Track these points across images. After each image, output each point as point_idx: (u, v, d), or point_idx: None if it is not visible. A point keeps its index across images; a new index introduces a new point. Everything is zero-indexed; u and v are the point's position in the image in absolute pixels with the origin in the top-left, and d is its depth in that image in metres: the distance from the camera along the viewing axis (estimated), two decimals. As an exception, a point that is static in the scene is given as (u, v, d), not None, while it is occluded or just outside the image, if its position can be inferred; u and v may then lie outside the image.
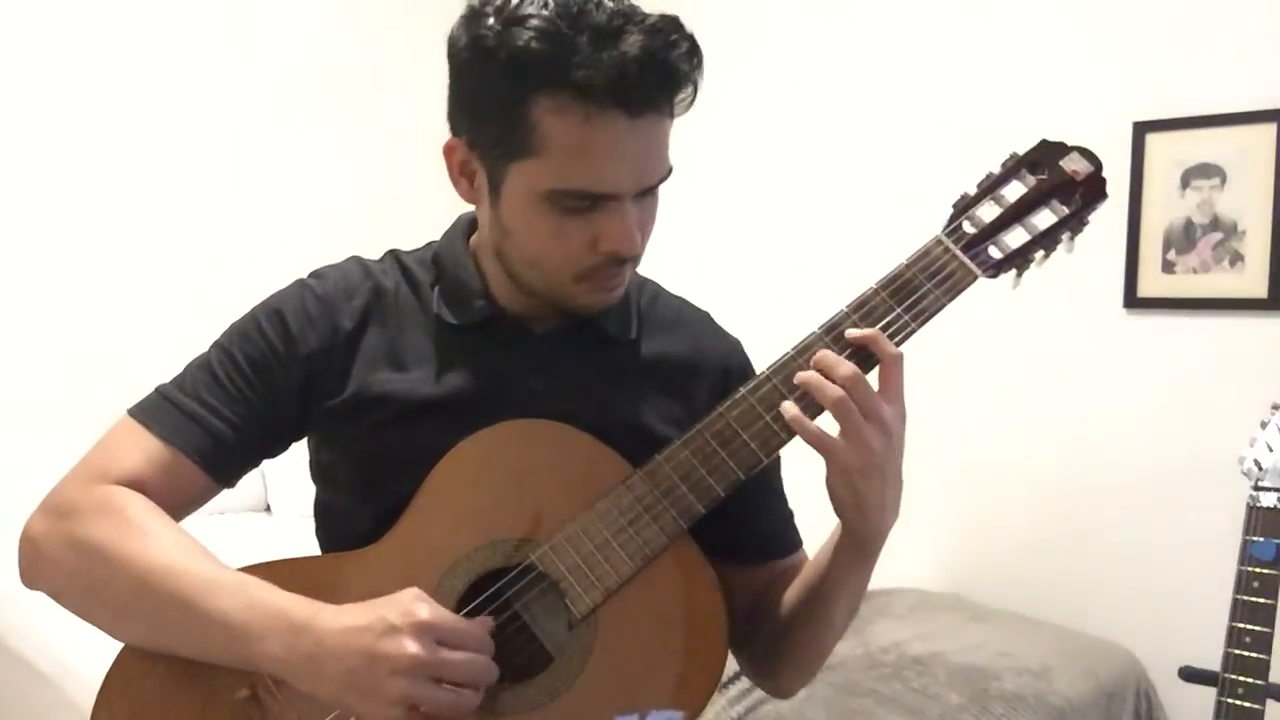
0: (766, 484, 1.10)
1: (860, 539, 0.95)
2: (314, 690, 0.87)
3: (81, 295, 3.24)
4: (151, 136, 3.36)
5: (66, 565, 0.95)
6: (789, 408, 0.91)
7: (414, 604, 0.86)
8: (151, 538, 0.93)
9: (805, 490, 1.10)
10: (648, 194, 0.95)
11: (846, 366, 0.90)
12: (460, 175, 0.98)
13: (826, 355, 0.91)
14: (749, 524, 1.06)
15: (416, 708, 0.85)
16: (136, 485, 0.97)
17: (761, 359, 0.99)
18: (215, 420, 1.00)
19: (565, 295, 0.98)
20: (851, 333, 0.92)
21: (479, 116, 0.94)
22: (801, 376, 0.91)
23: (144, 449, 0.99)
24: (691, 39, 0.90)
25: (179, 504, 0.99)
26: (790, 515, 1.13)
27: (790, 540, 1.11)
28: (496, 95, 0.90)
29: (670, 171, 0.96)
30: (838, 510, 0.94)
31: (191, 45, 3.44)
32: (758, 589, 1.07)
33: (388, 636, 0.84)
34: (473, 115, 0.94)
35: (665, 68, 0.88)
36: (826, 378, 0.90)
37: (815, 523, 1.05)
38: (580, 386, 1.03)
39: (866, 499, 0.91)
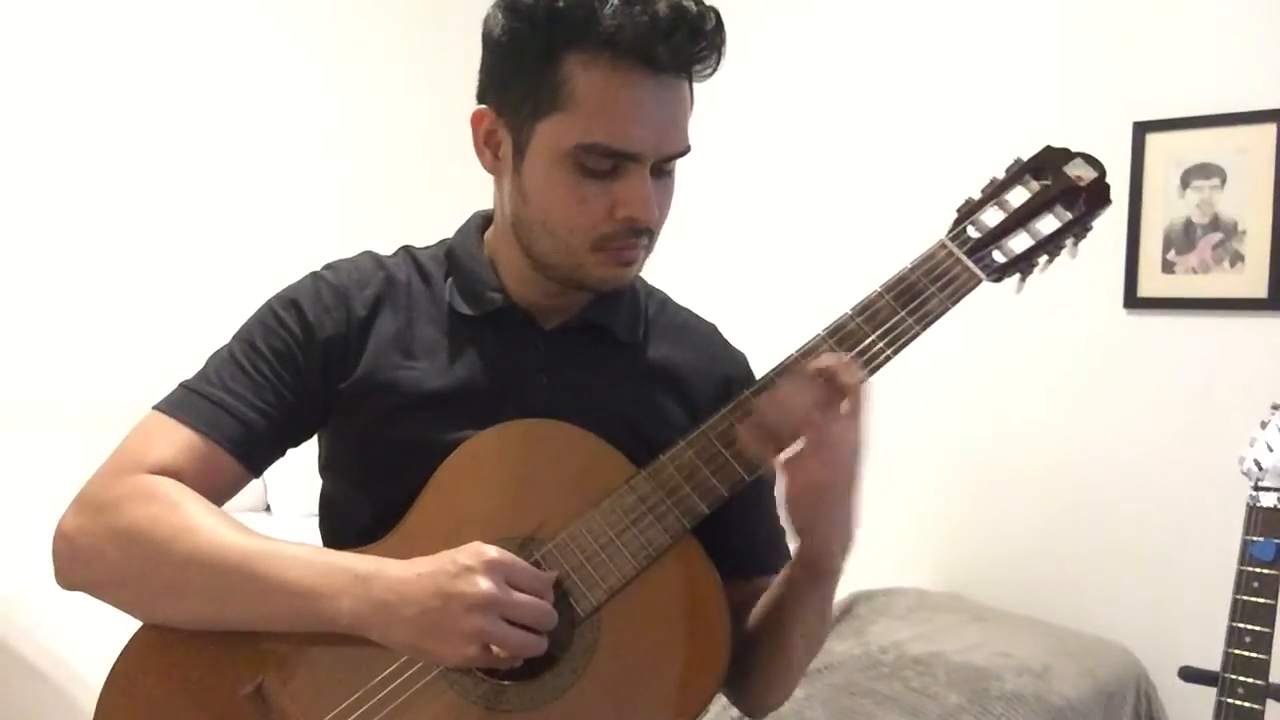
0: (760, 499, 1.10)
1: (811, 559, 0.97)
2: (387, 638, 0.89)
3: (87, 296, 3.24)
4: (160, 134, 3.36)
5: (108, 557, 0.95)
6: (743, 432, 0.93)
7: (482, 546, 0.89)
8: (199, 516, 0.94)
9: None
10: (665, 174, 0.97)
11: (803, 394, 0.91)
12: (485, 145, 1.00)
13: (787, 382, 0.93)
14: (741, 536, 1.06)
15: (489, 646, 0.87)
16: (170, 476, 0.97)
17: (767, 361, 0.99)
18: (245, 409, 1.00)
19: (579, 266, 0.98)
20: (817, 363, 0.93)
21: (510, 78, 0.96)
22: (762, 402, 0.93)
23: (176, 441, 0.99)
24: (717, 11, 0.94)
25: (212, 495, 0.99)
26: (782, 533, 1.13)
27: (781, 557, 1.11)
28: (529, 52, 0.93)
29: (688, 150, 0.97)
30: (793, 528, 0.96)
31: (204, 38, 3.43)
32: (741, 603, 1.06)
33: (462, 575, 0.87)
34: (504, 78, 0.97)
35: (693, 27, 0.92)
36: (790, 403, 0.91)
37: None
38: (584, 385, 1.04)
39: (820, 521, 0.93)
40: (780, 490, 0.94)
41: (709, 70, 0.95)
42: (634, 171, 0.94)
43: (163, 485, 0.96)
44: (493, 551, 0.88)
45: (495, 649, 0.87)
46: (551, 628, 0.89)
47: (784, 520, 0.96)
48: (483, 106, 0.99)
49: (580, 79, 0.91)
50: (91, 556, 0.96)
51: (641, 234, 0.97)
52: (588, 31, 0.90)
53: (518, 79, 0.95)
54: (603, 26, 0.90)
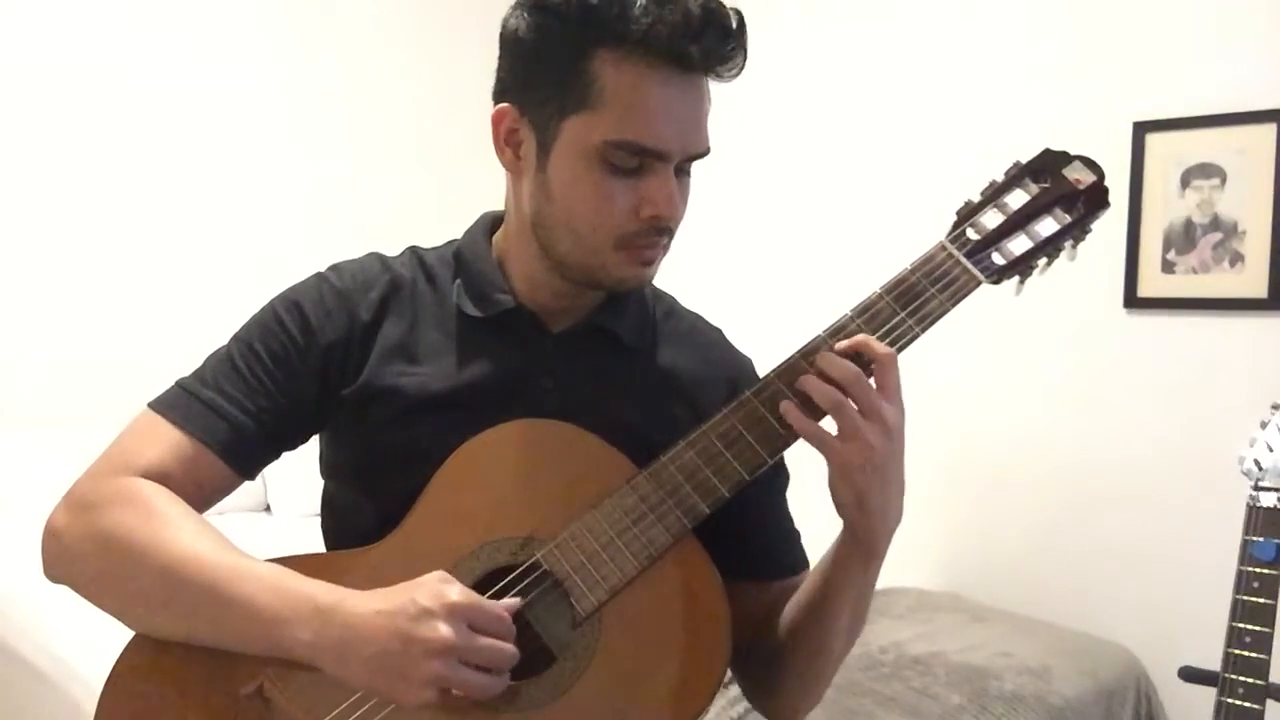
0: (774, 502, 1.10)
1: (863, 539, 0.95)
2: (343, 673, 0.88)
3: (86, 295, 3.24)
4: (161, 133, 3.36)
5: (89, 557, 0.95)
6: (789, 407, 0.93)
7: (444, 586, 0.88)
8: (175, 527, 0.94)
9: (811, 509, 1.10)
10: (684, 174, 0.98)
11: (844, 367, 0.91)
12: (505, 144, 1.00)
13: (826, 357, 0.92)
14: (756, 540, 1.06)
15: (447, 690, 0.86)
16: (159, 477, 0.97)
17: (767, 363, 0.99)
18: (237, 411, 1.00)
19: (601, 266, 0.98)
20: (841, 344, 0.93)
21: (535, 76, 0.96)
22: (803, 380, 0.92)
23: (166, 441, 0.99)
24: (740, 12, 0.94)
25: (201, 496, 0.99)
26: (798, 535, 1.13)
27: (798, 559, 1.11)
28: (557, 50, 0.93)
29: (709, 151, 0.98)
30: (840, 510, 0.95)
31: (206, 43, 3.43)
32: (761, 608, 1.06)
33: (421, 620, 0.85)
34: (528, 76, 0.96)
35: (723, 27, 0.92)
36: (826, 379, 0.91)
37: (820, 542, 1.04)
38: (589, 389, 1.04)
39: (868, 498, 0.92)
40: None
41: (735, 70, 0.96)
42: (660, 170, 0.94)
43: (146, 491, 0.96)
44: (454, 594, 0.87)
45: (454, 691, 0.86)
46: (513, 666, 0.88)
47: (831, 501, 0.94)
48: (504, 105, 0.99)
49: (611, 76, 0.91)
50: (74, 556, 0.97)
51: (663, 233, 0.97)
52: (620, 29, 0.90)
53: (545, 77, 0.95)
54: (635, 25, 0.90)
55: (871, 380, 0.91)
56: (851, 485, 0.91)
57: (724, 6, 0.93)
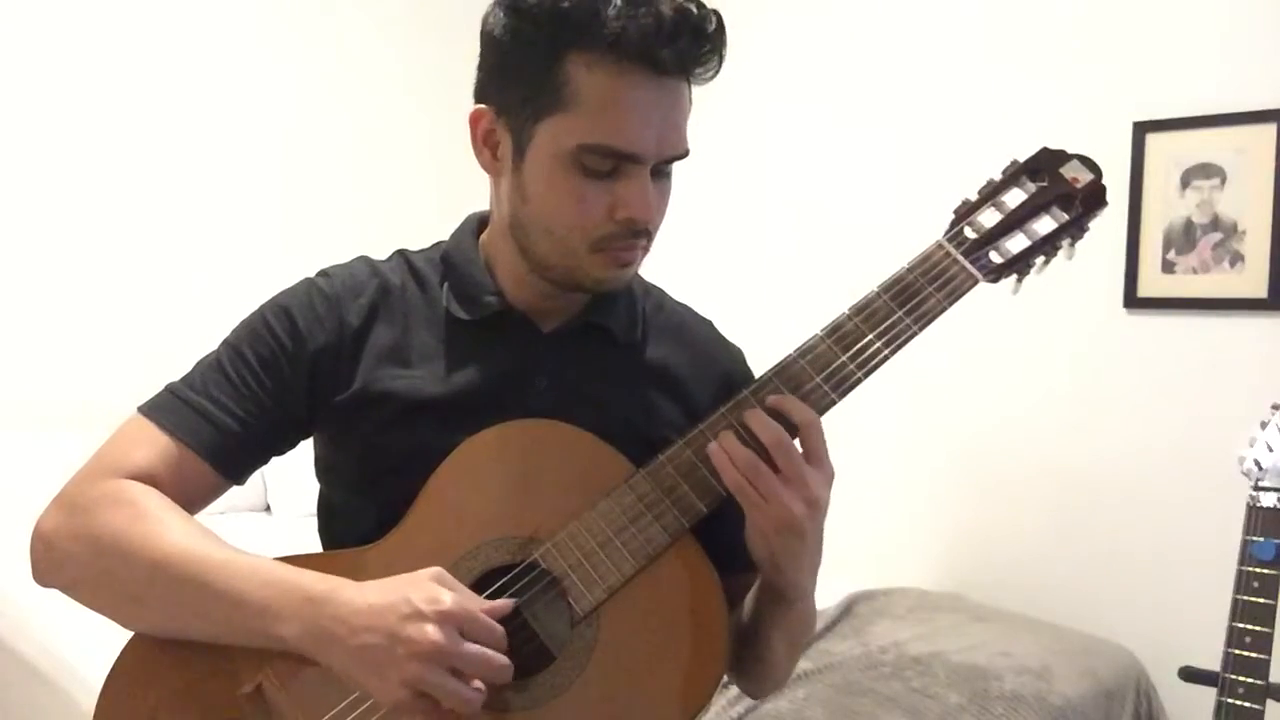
0: None
1: (777, 590, 0.98)
2: (329, 662, 0.89)
3: (86, 295, 3.24)
4: (158, 135, 3.36)
5: (79, 558, 0.96)
6: (716, 451, 0.93)
7: (439, 589, 0.87)
8: (164, 525, 0.94)
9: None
10: (663, 176, 0.97)
11: (769, 431, 0.91)
12: (484, 145, 1.00)
13: (752, 414, 0.92)
14: (742, 531, 1.06)
15: (424, 693, 0.85)
16: (146, 481, 0.98)
17: (766, 362, 0.99)
18: (224, 417, 1.00)
19: (579, 267, 0.98)
20: (771, 399, 0.93)
21: (510, 77, 0.96)
22: (723, 438, 0.93)
23: (154, 445, 0.99)
24: (718, 14, 0.94)
25: (189, 500, 1.00)
26: None
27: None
28: (531, 53, 0.93)
29: (687, 153, 0.97)
30: (755, 562, 0.96)
31: (202, 44, 3.43)
32: (743, 595, 1.08)
33: (411, 620, 0.85)
34: (504, 77, 0.96)
35: (697, 29, 0.92)
36: (747, 440, 0.91)
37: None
38: (584, 387, 1.04)
39: (782, 558, 0.93)
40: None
41: (710, 73, 0.95)
42: (634, 173, 0.94)
43: (135, 492, 0.96)
44: (448, 599, 0.86)
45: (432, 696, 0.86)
46: (503, 681, 0.88)
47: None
48: (481, 106, 0.99)
49: (583, 80, 0.91)
50: (64, 558, 0.97)
51: (640, 235, 0.97)
52: (592, 32, 0.90)
53: (519, 79, 0.95)
54: (607, 28, 0.89)
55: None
56: (766, 545, 0.93)
57: (701, 8, 0.92)
